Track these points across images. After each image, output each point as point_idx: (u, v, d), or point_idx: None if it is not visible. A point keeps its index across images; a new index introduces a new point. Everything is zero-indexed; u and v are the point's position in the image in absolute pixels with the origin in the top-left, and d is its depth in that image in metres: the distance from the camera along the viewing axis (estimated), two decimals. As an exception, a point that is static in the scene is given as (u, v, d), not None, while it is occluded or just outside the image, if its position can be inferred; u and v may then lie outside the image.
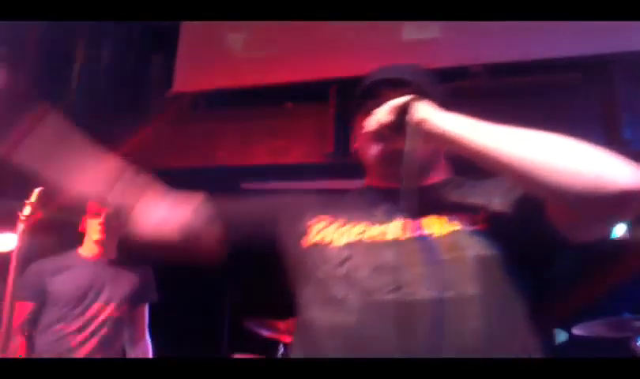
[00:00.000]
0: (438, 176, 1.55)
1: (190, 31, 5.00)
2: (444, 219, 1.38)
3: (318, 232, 1.48)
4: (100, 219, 3.39)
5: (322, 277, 1.39)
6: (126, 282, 3.41)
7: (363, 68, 1.61)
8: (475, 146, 1.28)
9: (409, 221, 1.38)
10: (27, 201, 2.94)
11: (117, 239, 3.47)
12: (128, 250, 3.50)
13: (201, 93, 4.89)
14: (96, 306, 3.30)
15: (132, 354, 3.50)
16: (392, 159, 1.42)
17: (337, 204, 1.55)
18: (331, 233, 1.46)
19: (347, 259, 1.38)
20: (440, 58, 4.00)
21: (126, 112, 4.88)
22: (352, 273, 1.35)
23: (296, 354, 1.41)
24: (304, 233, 1.50)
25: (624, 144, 3.79)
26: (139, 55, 5.24)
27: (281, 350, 4.38)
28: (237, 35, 4.84)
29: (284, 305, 4.57)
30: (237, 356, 4.33)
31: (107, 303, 3.32)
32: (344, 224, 1.46)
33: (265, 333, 4.47)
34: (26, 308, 3.25)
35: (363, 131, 1.46)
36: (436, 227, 1.37)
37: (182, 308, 3.61)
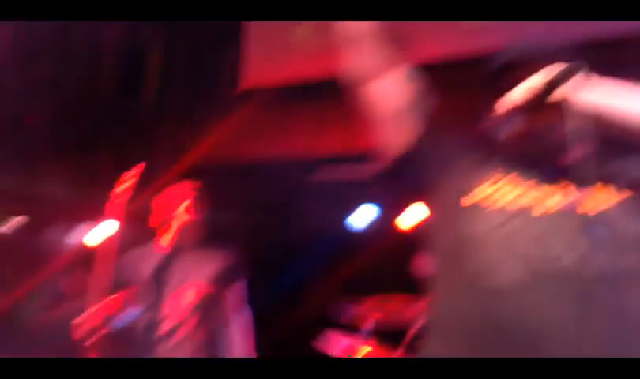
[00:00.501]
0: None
1: (257, 27, 5.05)
2: (609, 189, 1.35)
3: (482, 191, 1.41)
4: (177, 208, 3.50)
5: (479, 239, 1.34)
6: (210, 265, 3.50)
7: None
8: (627, 115, 1.29)
9: (572, 190, 1.35)
10: (123, 179, 3.12)
11: (195, 225, 3.57)
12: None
13: (273, 86, 4.94)
14: (181, 291, 3.43)
15: (226, 334, 3.60)
16: (538, 135, 1.39)
17: (495, 165, 1.47)
18: (494, 193, 1.39)
19: (508, 222, 1.33)
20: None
21: (201, 108, 4.98)
22: (512, 238, 1.31)
23: (442, 317, 1.38)
24: (466, 190, 1.43)
25: None
26: (211, 52, 5.33)
27: (371, 325, 4.40)
28: (303, 26, 4.86)
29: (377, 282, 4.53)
30: (331, 333, 4.40)
31: (192, 287, 3.45)
32: (508, 185, 1.40)
33: (356, 310, 4.51)
34: (120, 296, 3.41)
35: (511, 107, 1.40)
36: (601, 197, 1.35)
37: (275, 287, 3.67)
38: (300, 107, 4.85)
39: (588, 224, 1.29)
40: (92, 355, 3.13)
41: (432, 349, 1.39)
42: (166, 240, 3.59)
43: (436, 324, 1.41)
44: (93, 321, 3.13)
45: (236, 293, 3.63)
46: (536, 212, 1.33)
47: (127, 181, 3.20)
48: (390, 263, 5.49)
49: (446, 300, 1.38)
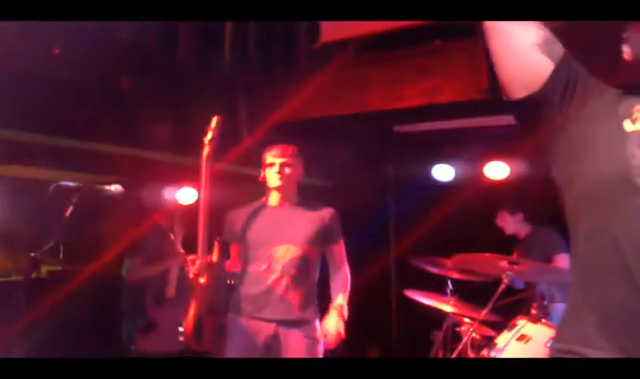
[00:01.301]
0: None
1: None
2: None
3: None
4: (276, 168, 3.59)
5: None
6: (309, 224, 3.58)
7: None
8: None
9: None
10: (208, 128, 3.33)
11: (296, 185, 3.71)
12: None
13: (348, 40, 4.88)
14: (282, 248, 3.53)
15: (333, 286, 3.70)
16: None
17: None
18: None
19: None
20: None
21: (278, 67, 4.99)
22: None
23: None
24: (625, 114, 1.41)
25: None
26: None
27: (450, 286, 4.40)
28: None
29: (450, 242, 4.57)
30: (407, 292, 4.43)
31: (293, 244, 3.55)
32: None
33: (433, 270, 4.51)
34: (225, 247, 3.61)
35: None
36: None
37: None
38: (376, 59, 4.76)
39: None
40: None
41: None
42: (270, 200, 3.71)
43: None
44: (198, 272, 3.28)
45: (337, 253, 3.69)
46: None
47: (209, 131, 3.38)
48: (476, 218, 5.41)
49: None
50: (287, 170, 3.62)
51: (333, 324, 3.47)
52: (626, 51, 1.39)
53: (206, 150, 3.33)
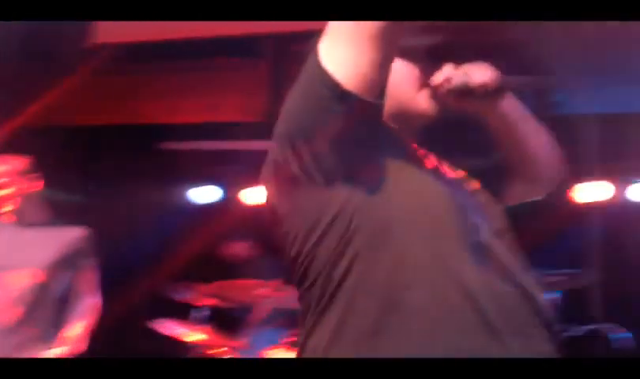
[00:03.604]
0: None
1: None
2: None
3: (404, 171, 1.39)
4: (8, 183, 3.15)
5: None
6: (51, 246, 3.15)
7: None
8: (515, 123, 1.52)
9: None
10: None
11: (37, 201, 3.26)
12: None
13: (124, 45, 4.57)
14: (16, 274, 3.07)
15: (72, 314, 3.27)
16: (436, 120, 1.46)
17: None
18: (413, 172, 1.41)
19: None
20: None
21: (40, 64, 4.53)
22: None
23: None
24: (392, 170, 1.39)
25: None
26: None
27: (205, 312, 4.28)
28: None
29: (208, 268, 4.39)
30: (157, 323, 4.20)
31: (29, 269, 3.11)
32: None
33: (187, 297, 4.35)
34: None
35: (436, 84, 1.43)
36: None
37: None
38: (153, 69, 4.52)
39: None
40: None
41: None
42: (6, 218, 3.19)
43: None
44: None
45: (84, 278, 3.28)
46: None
47: None
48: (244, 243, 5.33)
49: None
50: (21, 186, 3.18)
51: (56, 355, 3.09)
52: None
53: None
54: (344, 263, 1.26)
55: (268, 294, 3.88)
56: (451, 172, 1.45)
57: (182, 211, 5.70)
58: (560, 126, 1.72)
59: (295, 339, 3.83)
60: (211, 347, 4.13)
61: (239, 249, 5.12)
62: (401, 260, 1.24)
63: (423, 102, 1.43)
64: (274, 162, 1.33)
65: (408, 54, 1.40)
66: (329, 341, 1.26)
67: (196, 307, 4.34)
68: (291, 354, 3.66)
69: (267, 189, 1.40)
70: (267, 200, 1.41)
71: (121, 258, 5.39)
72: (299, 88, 1.29)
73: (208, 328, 4.22)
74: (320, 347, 1.28)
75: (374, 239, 1.26)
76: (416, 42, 1.43)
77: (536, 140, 1.55)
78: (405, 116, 1.43)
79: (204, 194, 5.75)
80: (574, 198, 4.72)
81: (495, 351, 1.21)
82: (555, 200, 4.04)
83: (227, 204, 5.68)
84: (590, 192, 4.76)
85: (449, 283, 1.24)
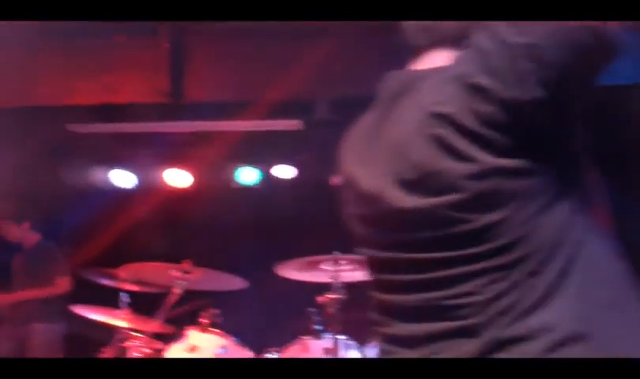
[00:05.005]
0: None
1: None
2: None
3: None
4: None
5: None
6: None
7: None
8: None
9: None
10: None
11: None
12: None
13: (15, 23, 4.33)
14: None
15: None
16: None
17: None
18: None
19: None
20: None
21: None
22: None
23: None
24: None
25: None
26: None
27: (125, 299, 4.18)
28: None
29: (127, 252, 4.27)
30: (77, 309, 4.09)
31: None
32: None
33: (105, 282, 4.26)
34: None
35: None
36: None
37: None
38: (48, 48, 4.30)
39: None
40: None
41: None
42: None
43: None
44: None
45: None
46: None
47: None
48: (155, 227, 5.22)
49: None
50: None
51: None
52: None
53: None
54: None
55: (178, 276, 3.88)
56: None
57: (86, 194, 5.52)
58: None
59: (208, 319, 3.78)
60: (133, 331, 4.07)
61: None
62: None
63: None
64: None
65: None
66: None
67: (113, 290, 4.24)
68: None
69: None
70: None
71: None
72: None
73: (128, 311, 4.14)
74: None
75: None
76: None
77: None
78: None
79: (122, 178, 5.56)
80: None
81: None
82: None
83: (138, 187, 5.54)
84: None
85: None
